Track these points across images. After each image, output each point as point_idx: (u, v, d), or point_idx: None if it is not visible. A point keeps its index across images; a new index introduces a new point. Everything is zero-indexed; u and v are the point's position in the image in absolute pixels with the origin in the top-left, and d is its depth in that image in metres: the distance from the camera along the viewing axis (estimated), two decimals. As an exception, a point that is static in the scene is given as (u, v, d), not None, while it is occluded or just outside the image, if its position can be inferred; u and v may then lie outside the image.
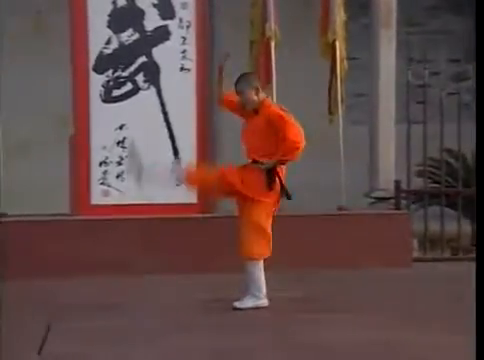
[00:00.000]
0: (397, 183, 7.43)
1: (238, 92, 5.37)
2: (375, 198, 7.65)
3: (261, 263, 5.27)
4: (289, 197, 5.29)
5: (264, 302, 5.26)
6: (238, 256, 5.25)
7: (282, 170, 5.32)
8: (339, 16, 7.41)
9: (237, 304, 5.21)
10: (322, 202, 7.31)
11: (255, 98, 5.32)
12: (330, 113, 7.55)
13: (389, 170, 7.67)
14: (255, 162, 5.26)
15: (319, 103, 7.60)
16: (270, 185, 5.21)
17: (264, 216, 5.25)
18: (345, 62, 7.47)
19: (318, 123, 7.75)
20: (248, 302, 5.22)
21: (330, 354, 4.17)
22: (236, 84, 5.40)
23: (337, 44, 7.40)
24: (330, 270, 6.66)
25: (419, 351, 4.16)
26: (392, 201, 7.44)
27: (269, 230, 5.28)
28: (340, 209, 7.31)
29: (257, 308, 5.21)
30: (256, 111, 5.34)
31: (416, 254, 7.37)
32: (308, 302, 5.60)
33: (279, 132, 5.17)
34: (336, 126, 7.44)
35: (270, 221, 5.30)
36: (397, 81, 7.66)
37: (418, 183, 7.73)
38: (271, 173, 5.22)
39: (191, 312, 5.31)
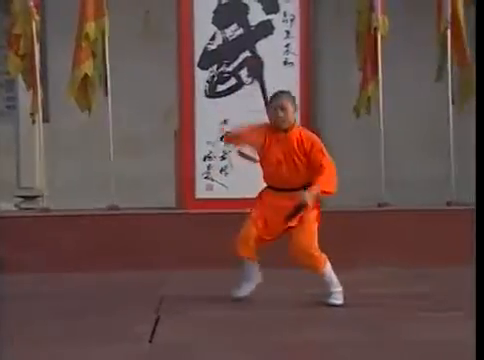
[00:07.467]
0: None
1: (279, 107, 5.14)
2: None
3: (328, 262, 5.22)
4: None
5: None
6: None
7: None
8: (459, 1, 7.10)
9: (332, 301, 5.19)
10: (431, 197, 7.07)
11: (293, 117, 5.19)
12: (453, 103, 7.23)
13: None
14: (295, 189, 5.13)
15: (430, 98, 7.34)
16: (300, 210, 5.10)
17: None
18: (468, 50, 7.13)
19: (429, 117, 7.53)
20: (339, 298, 5.20)
21: (435, 354, 4.05)
22: (277, 98, 5.20)
23: (448, 32, 7.13)
24: (439, 267, 6.44)
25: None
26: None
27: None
28: (449, 204, 7.04)
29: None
30: (285, 131, 5.17)
31: None
32: (419, 299, 5.46)
33: (313, 161, 5.09)
34: (446, 119, 7.16)
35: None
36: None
37: None
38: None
39: (301, 306, 5.29)
